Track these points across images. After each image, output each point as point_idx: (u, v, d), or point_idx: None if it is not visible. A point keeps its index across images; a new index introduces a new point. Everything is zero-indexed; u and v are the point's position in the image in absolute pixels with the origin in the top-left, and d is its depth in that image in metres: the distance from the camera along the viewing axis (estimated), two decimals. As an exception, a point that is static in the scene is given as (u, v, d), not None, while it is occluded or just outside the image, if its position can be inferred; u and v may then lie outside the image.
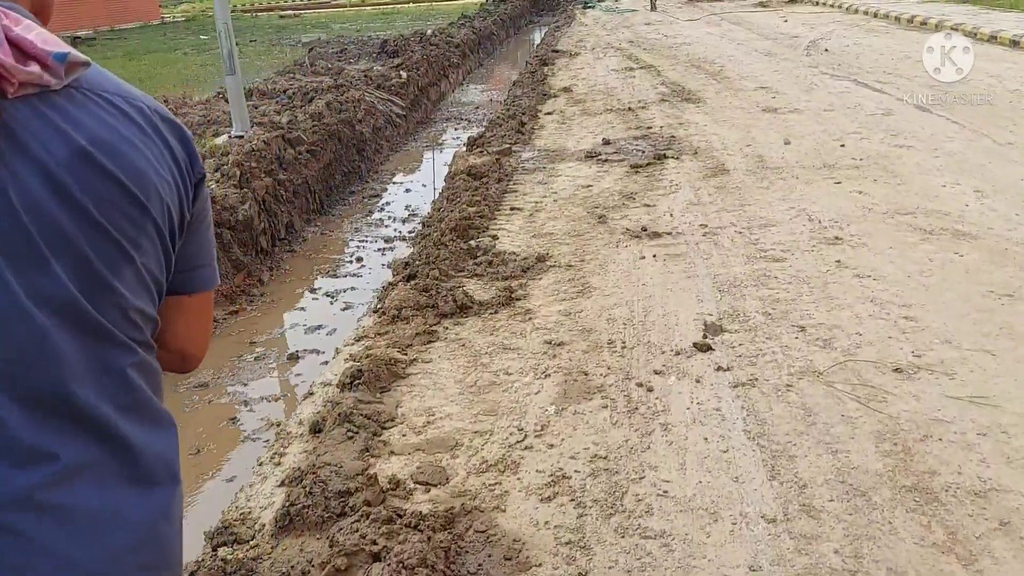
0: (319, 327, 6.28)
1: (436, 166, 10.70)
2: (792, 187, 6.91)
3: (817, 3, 23.12)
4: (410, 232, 8.36)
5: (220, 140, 9.35)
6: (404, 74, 14.34)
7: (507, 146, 9.02)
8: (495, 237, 6.23)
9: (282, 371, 5.61)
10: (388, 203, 9.49)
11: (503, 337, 4.56)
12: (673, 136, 9.05)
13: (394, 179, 10.59)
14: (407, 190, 10.01)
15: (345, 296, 6.83)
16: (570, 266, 5.54)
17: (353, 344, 4.68)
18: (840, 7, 21.35)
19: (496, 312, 4.89)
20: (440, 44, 18.98)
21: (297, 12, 37.75)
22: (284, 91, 13.17)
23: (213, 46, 25.25)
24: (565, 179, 7.80)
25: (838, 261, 5.23)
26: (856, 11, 20.17)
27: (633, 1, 30.87)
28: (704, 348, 4.21)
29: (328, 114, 10.90)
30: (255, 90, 13.22)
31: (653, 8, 27.32)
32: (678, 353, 4.20)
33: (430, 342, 4.55)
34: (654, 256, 5.58)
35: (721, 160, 7.94)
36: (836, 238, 5.62)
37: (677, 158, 8.16)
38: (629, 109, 10.79)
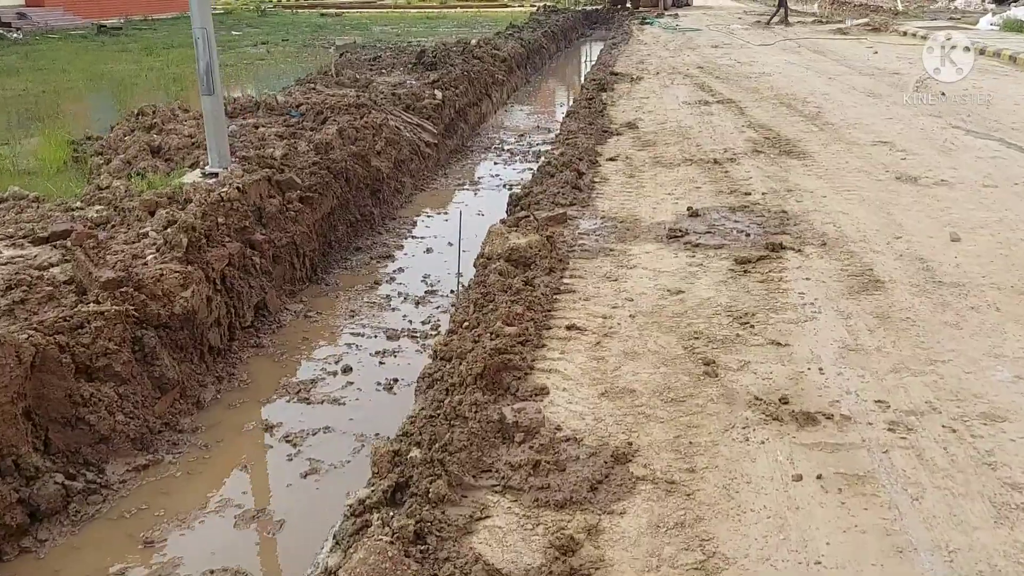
0: (259, 514, 3.97)
1: (472, 221, 8.37)
2: (998, 327, 4.48)
3: (905, 33, 20.50)
4: (424, 323, 6.07)
5: (189, 179, 7.11)
6: (439, 94, 12.05)
7: (561, 211, 6.67)
8: (543, 392, 3.88)
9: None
10: (401, 270, 7.20)
11: None
12: (784, 211, 6.64)
13: (414, 231, 8.30)
14: (428, 249, 7.71)
15: (313, 445, 4.53)
16: (672, 483, 3.18)
17: None
18: (935, 40, 18.72)
19: (544, 610, 2.56)
20: (484, 57, 16.68)
21: (339, 11, 35.73)
22: (297, 106, 10.96)
23: (243, 43, 23.22)
24: (643, 274, 5.43)
25: None
26: (956, 46, 17.54)
27: (695, 20, 28.45)
28: None
29: (339, 145, 8.64)
30: (263, 103, 11.00)
31: (770, 25, 24.91)
32: None
33: None
34: (818, 477, 3.20)
35: (865, 261, 5.53)
36: None
37: (799, 250, 5.76)
38: (715, 162, 8.38)
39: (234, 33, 26.16)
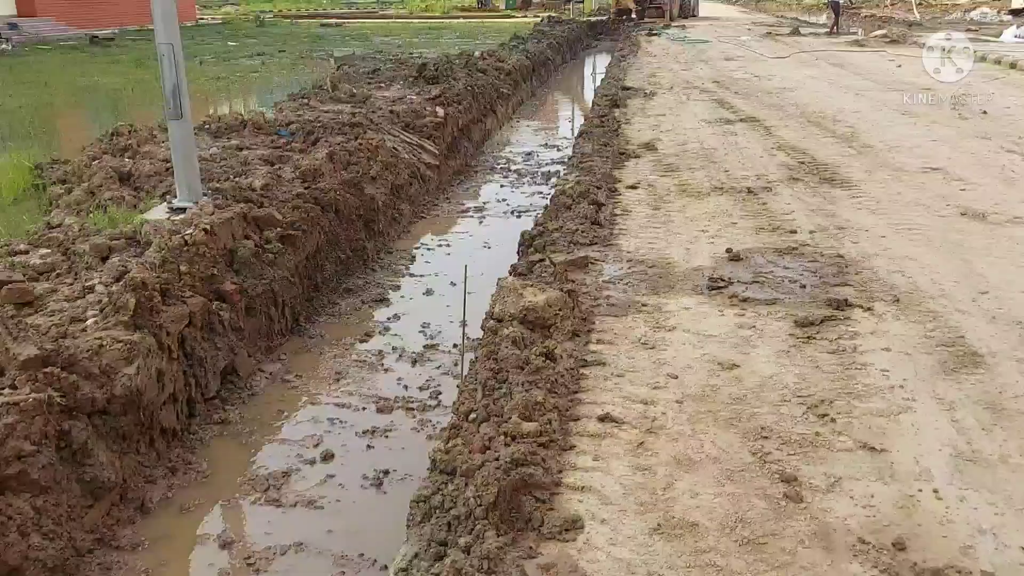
0: None
1: (477, 255, 7.40)
2: None
3: (924, 45, 19.56)
4: (422, 388, 5.13)
5: (154, 216, 6.16)
6: (441, 111, 11.12)
7: (581, 254, 5.72)
8: (576, 525, 2.93)
9: None
10: (397, 317, 6.25)
11: None
12: (840, 256, 5.69)
13: (412, 268, 7.35)
14: (427, 291, 6.76)
15: (280, 572, 3.56)
16: None
17: None
18: (959, 53, 17.79)
19: None
20: (488, 70, 15.78)
21: (340, 21, 34.88)
22: (287, 124, 10.05)
23: (238, 55, 22.32)
24: (685, 339, 4.48)
25: None
26: (982, 59, 16.62)
27: (703, 31, 27.59)
28: None
29: (329, 171, 7.71)
30: (250, 121, 10.06)
31: (835, 33, 23.78)
32: None
33: None
34: None
35: (952, 324, 4.57)
36: None
37: (868, 308, 4.80)
38: (749, 191, 7.44)
39: (230, 44, 25.29)
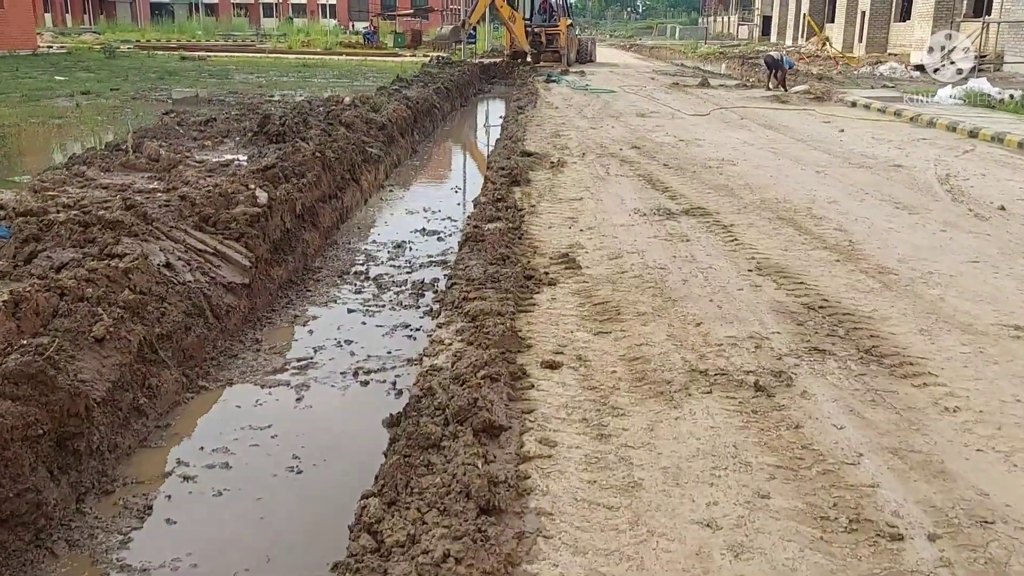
0: None
1: (278, 491, 3.79)
2: None
3: (853, 104, 17.24)
4: None
5: None
6: (263, 195, 7.44)
7: None
8: None
9: None
10: None
11: None
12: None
13: (136, 541, 3.68)
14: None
15: None
16: None
17: None
18: (899, 115, 15.41)
19: None
20: (356, 124, 12.22)
21: (205, 54, 30.57)
22: (18, 215, 6.34)
23: (59, 92, 17.96)
24: None
25: None
26: (931, 124, 14.24)
27: (604, 79, 24.88)
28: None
29: (7, 335, 4.01)
30: (-50, 212, 6.19)
31: (770, 88, 20.53)
32: None
33: None
34: None
35: None
36: None
37: None
38: (755, 386, 4.11)
39: (58, 78, 20.82)
